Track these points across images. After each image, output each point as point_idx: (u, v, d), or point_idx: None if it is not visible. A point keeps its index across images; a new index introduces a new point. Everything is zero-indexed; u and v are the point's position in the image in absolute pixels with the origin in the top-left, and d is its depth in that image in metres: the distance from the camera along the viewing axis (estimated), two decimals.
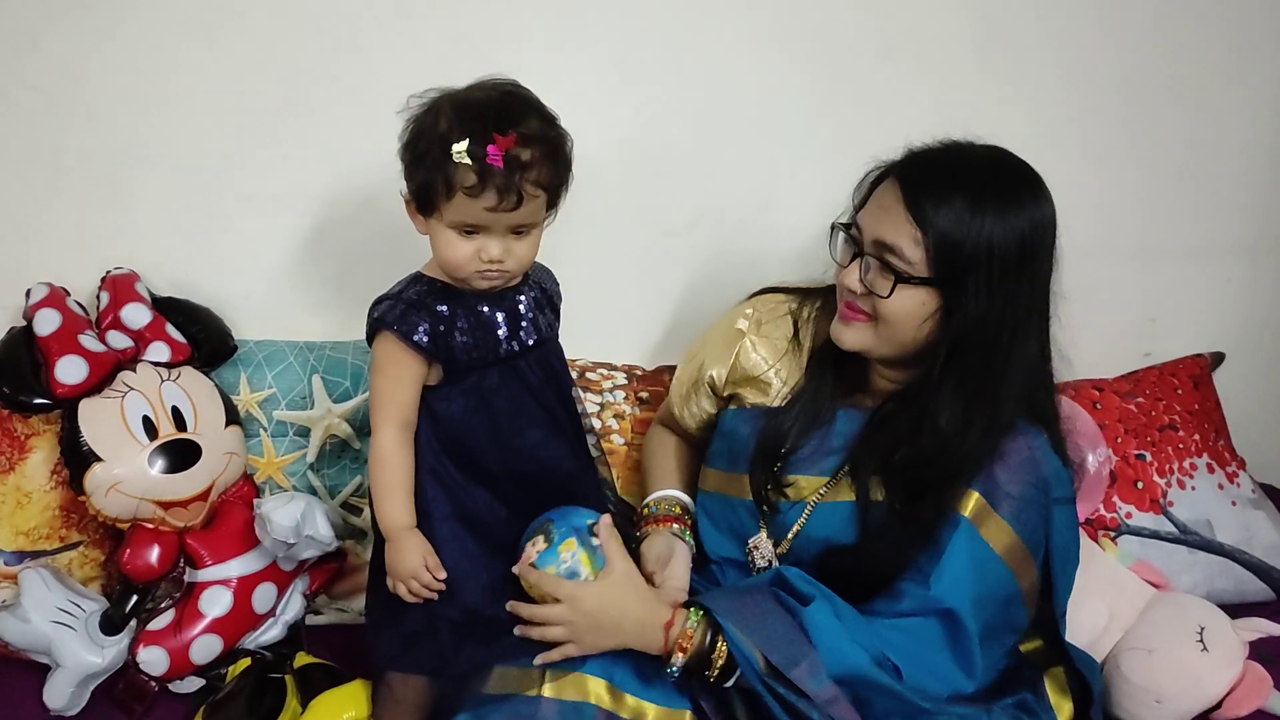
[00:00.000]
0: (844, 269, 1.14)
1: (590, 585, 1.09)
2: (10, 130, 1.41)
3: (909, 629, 1.09)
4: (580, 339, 1.46)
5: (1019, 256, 1.06)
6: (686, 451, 1.36)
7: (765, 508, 1.22)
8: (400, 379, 1.10)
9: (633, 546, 1.25)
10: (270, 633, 1.33)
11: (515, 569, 1.11)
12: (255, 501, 1.30)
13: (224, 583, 1.28)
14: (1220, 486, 1.59)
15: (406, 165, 1.06)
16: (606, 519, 1.13)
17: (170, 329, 1.39)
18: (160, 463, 1.28)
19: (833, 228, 1.16)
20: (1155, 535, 1.54)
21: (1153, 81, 1.65)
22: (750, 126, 1.57)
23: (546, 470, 1.17)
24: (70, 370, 1.28)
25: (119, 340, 1.35)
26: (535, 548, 1.10)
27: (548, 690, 1.05)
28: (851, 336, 1.14)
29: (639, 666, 1.09)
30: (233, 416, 1.38)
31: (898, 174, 1.11)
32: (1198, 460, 1.60)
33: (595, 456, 1.28)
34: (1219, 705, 1.29)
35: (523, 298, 1.14)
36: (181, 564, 1.31)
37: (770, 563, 1.22)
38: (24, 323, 1.35)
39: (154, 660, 1.24)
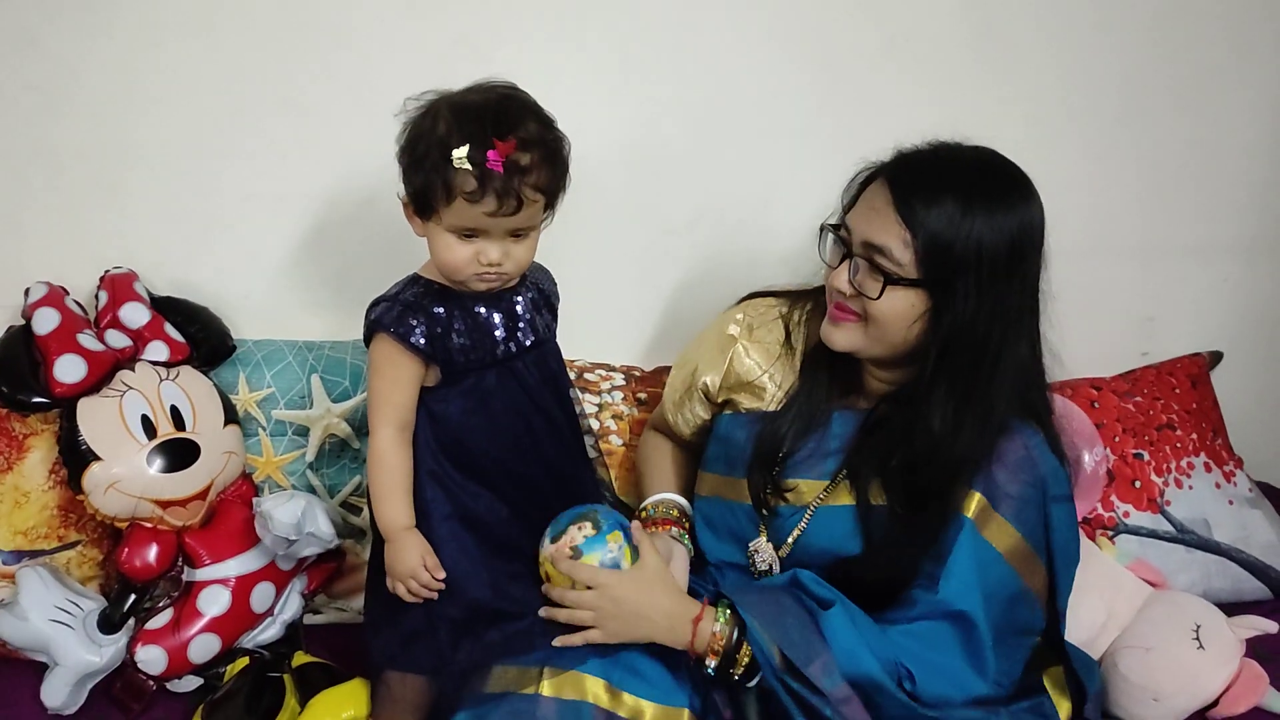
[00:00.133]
0: (833, 270, 1.14)
1: (623, 574, 1.10)
2: (9, 130, 1.41)
3: (921, 634, 1.10)
4: (579, 339, 1.46)
5: (1008, 258, 1.07)
6: (682, 456, 1.37)
7: (765, 512, 1.22)
8: (397, 380, 1.10)
9: None
10: (268, 632, 1.33)
11: (549, 551, 1.11)
12: (255, 500, 1.30)
13: (222, 582, 1.28)
14: (1217, 485, 1.60)
15: (405, 169, 1.06)
16: (637, 523, 1.15)
17: (169, 328, 1.39)
18: (159, 462, 1.28)
19: (822, 229, 1.16)
20: (1153, 534, 1.54)
21: (1151, 81, 1.66)
22: (750, 126, 1.57)
23: (544, 471, 1.17)
24: (69, 369, 1.28)
25: (117, 339, 1.35)
26: (581, 531, 1.10)
27: (546, 689, 1.05)
28: (841, 337, 1.15)
29: (637, 665, 1.09)
30: (231, 416, 1.38)
31: (887, 175, 1.11)
32: (1195, 459, 1.61)
33: (593, 457, 1.29)
34: (1216, 703, 1.29)
35: (520, 299, 1.14)
36: (180, 563, 1.31)
37: (771, 566, 1.22)
38: (22, 322, 1.35)
39: (152, 659, 1.24)
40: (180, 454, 1.30)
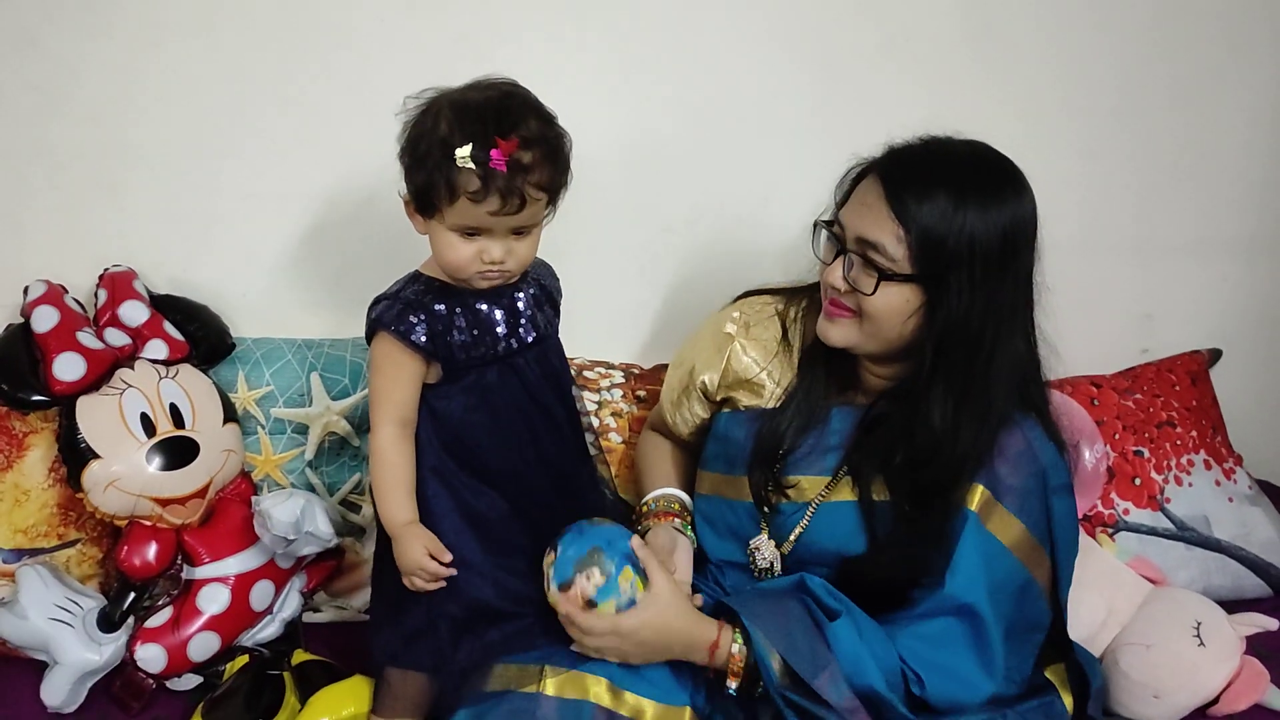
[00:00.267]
0: (828, 266, 1.14)
1: (640, 612, 1.07)
2: (9, 129, 1.41)
3: (930, 637, 1.10)
4: (578, 337, 1.46)
5: (1001, 251, 1.06)
6: (681, 454, 1.36)
7: (766, 509, 1.22)
8: (398, 378, 1.10)
9: None
10: (268, 630, 1.33)
11: (563, 609, 1.07)
12: (254, 498, 1.30)
13: (222, 580, 1.28)
14: (1217, 483, 1.60)
15: (406, 168, 1.05)
16: (638, 539, 1.12)
17: (168, 327, 1.39)
18: (158, 460, 1.28)
19: (816, 225, 1.16)
20: (1153, 531, 1.54)
21: (1149, 79, 1.66)
22: (748, 124, 1.57)
23: (545, 468, 1.17)
24: (68, 367, 1.28)
25: (117, 338, 1.35)
26: (591, 581, 1.05)
27: (547, 688, 1.05)
28: (837, 333, 1.15)
29: (639, 664, 1.09)
30: (230, 414, 1.38)
31: (879, 171, 1.11)
32: (1195, 456, 1.61)
33: (594, 455, 1.28)
34: (1216, 700, 1.29)
35: (521, 295, 1.14)
36: (179, 561, 1.31)
37: (772, 564, 1.22)
38: (22, 320, 1.35)
39: (151, 657, 1.24)
40: (179, 452, 1.30)
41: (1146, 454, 1.58)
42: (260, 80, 1.43)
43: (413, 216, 1.08)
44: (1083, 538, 1.29)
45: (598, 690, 1.06)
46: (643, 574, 1.09)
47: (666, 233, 1.61)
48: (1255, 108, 1.71)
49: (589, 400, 1.52)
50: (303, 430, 1.44)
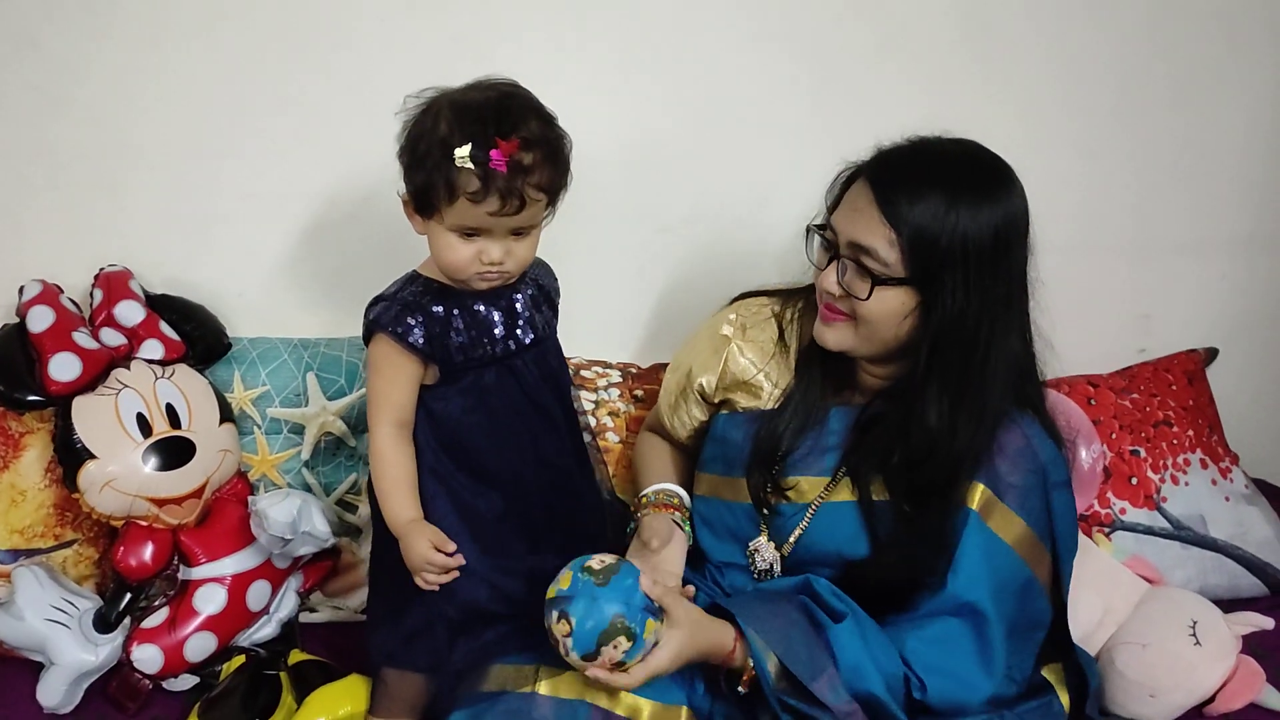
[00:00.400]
0: (821, 271, 1.14)
1: (669, 650, 1.03)
2: (7, 128, 1.41)
3: (934, 638, 1.10)
4: (575, 337, 1.46)
5: (994, 249, 1.06)
6: (679, 454, 1.36)
7: (765, 511, 1.22)
8: (396, 380, 1.10)
9: (629, 529, 1.25)
10: (264, 630, 1.33)
11: (591, 674, 1.01)
12: (250, 498, 1.30)
13: (218, 580, 1.28)
14: (1214, 482, 1.60)
15: (405, 167, 1.05)
16: (645, 579, 1.04)
17: (164, 326, 1.39)
18: (154, 460, 1.28)
19: (808, 230, 1.16)
20: (1149, 531, 1.54)
21: (1146, 78, 1.66)
22: (746, 124, 1.57)
23: (543, 468, 1.16)
24: (64, 367, 1.28)
25: (112, 338, 1.35)
26: (619, 649, 1.00)
27: (543, 688, 1.05)
28: (833, 337, 1.15)
29: None
30: (227, 414, 1.38)
31: (868, 175, 1.10)
32: (1191, 456, 1.61)
33: (592, 455, 1.28)
34: (1212, 699, 1.30)
35: (520, 296, 1.14)
36: (175, 561, 1.30)
37: (772, 565, 1.22)
38: (17, 320, 1.35)
39: (148, 658, 1.24)
40: (176, 452, 1.29)
41: (1143, 453, 1.58)
42: (259, 80, 1.43)
43: (412, 217, 1.08)
44: (1080, 537, 1.29)
45: (593, 690, 1.05)
46: (659, 613, 1.05)
47: (664, 233, 1.60)
48: (1253, 106, 1.71)
49: (586, 400, 1.52)
50: (299, 430, 1.44)
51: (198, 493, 1.31)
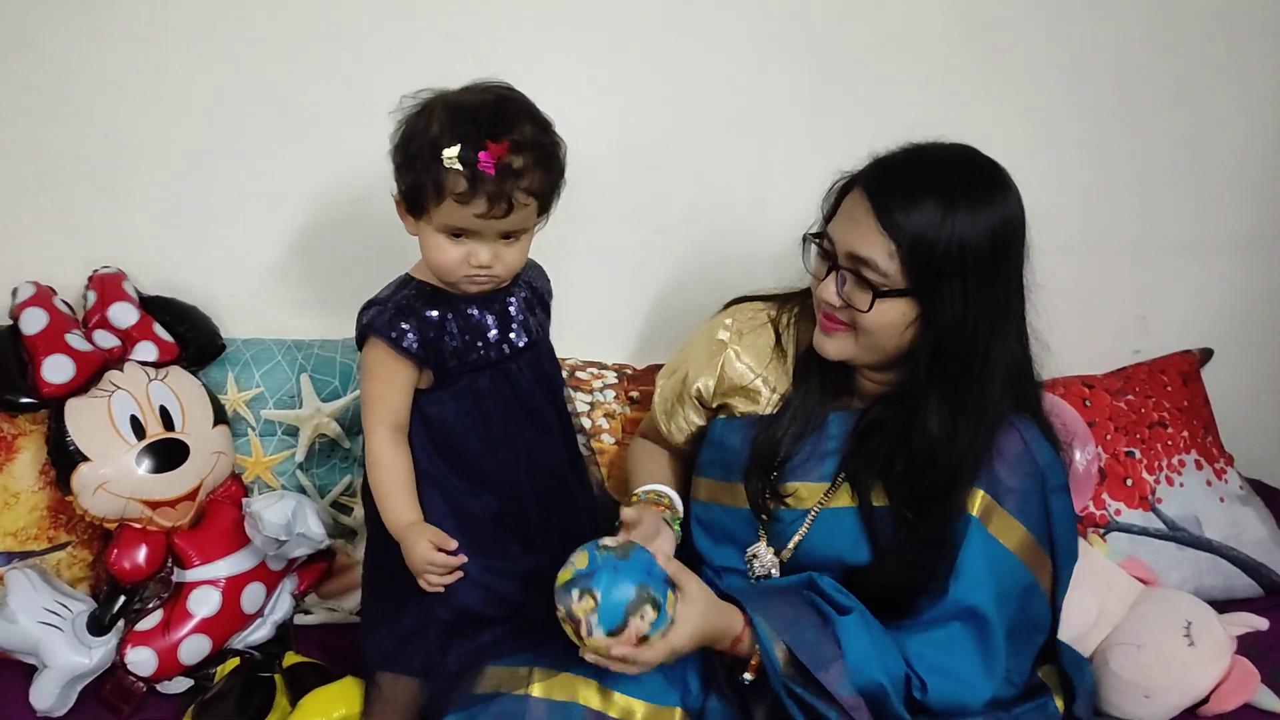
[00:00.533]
0: (820, 281, 1.13)
1: (686, 627, 1.04)
2: (3, 129, 1.40)
3: (936, 642, 1.10)
4: (571, 338, 1.46)
5: (992, 253, 1.06)
6: (673, 460, 1.35)
7: (764, 517, 1.21)
8: (391, 384, 1.09)
9: (615, 524, 1.25)
10: (259, 632, 1.33)
11: (616, 653, 1.00)
12: (245, 500, 1.30)
13: (212, 583, 1.28)
14: (1208, 483, 1.60)
15: (397, 166, 1.05)
16: (659, 554, 1.06)
17: (158, 328, 1.39)
18: (148, 462, 1.28)
19: (805, 239, 1.15)
20: (1144, 532, 1.54)
21: (1144, 78, 1.66)
22: (744, 124, 1.57)
23: (538, 471, 1.16)
24: (57, 369, 1.27)
25: (106, 339, 1.34)
26: (645, 620, 1.00)
27: (536, 690, 1.05)
28: (834, 347, 1.14)
29: None
30: (220, 416, 1.38)
31: (865, 185, 1.10)
32: (1186, 457, 1.61)
33: (585, 456, 1.28)
34: (1206, 700, 1.30)
35: (513, 300, 1.13)
36: (169, 564, 1.30)
37: (770, 571, 1.22)
38: (10, 322, 1.34)
39: (142, 661, 1.24)
40: (169, 454, 1.29)
41: (1138, 454, 1.59)
42: (255, 80, 1.43)
43: (404, 217, 1.08)
44: None
45: (587, 692, 1.05)
46: (675, 588, 1.05)
47: (661, 233, 1.60)
48: (1252, 108, 1.71)
49: (582, 401, 1.52)
50: (293, 432, 1.44)
51: (191, 495, 1.31)
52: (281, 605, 1.35)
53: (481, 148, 0.98)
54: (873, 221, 1.06)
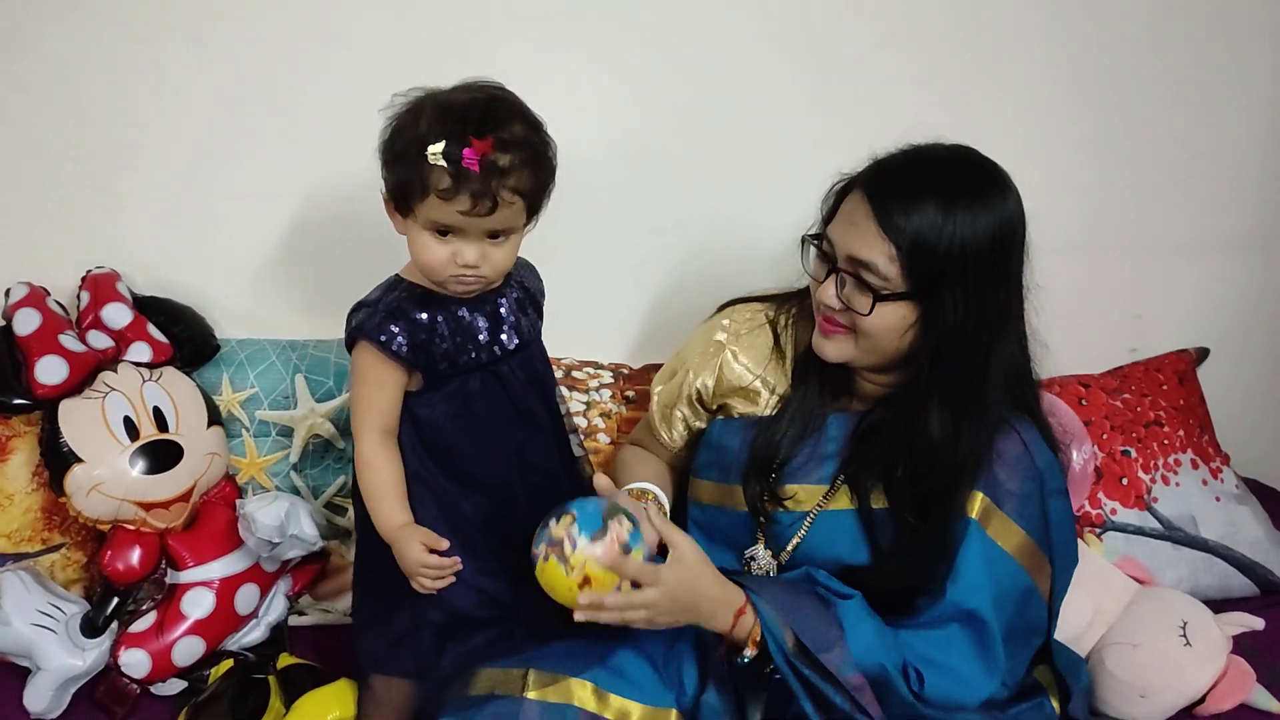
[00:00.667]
0: (819, 283, 1.13)
1: (675, 569, 1.04)
2: None
3: (934, 640, 1.10)
4: (567, 337, 1.46)
5: (992, 255, 1.06)
6: (661, 466, 1.33)
7: (762, 519, 1.21)
8: (381, 386, 1.09)
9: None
10: (253, 634, 1.33)
11: (596, 554, 1.00)
12: (238, 502, 1.29)
13: (206, 584, 1.28)
14: (1204, 482, 1.60)
15: (385, 163, 1.05)
16: (653, 507, 1.10)
17: (152, 329, 1.38)
18: (141, 464, 1.27)
19: (804, 241, 1.15)
20: (1140, 531, 1.54)
21: (1143, 78, 1.66)
22: (740, 125, 1.56)
23: (530, 473, 1.16)
24: (50, 370, 1.27)
25: (100, 340, 1.34)
26: (623, 527, 1.02)
27: (531, 693, 1.04)
28: (834, 349, 1.14)
29: (624, 667, 1.08)
30: (215, 417, 1.38)
31: (864, 187, 1.09)
32: (1182, 456, 1.61)
33: (579, 456, 1.27)
34: (1202, 699, 1.30)
35: (504, 301, 1.13)
36: (163, 565, 1.30)
37: (768, 573, 1.21)
38: (3, 323, 1.34)
39: (135, 663, 1.24)
40: (163, 456, 1.29)
41: (1134, 454, 1.58)
42: (249, 80, 1.43)
43: (392, 215, 1.08)
44: None
45: (582, 695, 1.05)
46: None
47: (656, 234, 1.60)
48: (1250, 108, 1.71)
49: (578, 401, 1.52)
50: (287, 433, 1.44)
51: (185, 496, 1.30)
52: (276, 607, 1.34)
53: (466, 144, 0.98)
54: (873, 224, 1.06)
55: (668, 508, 1.26)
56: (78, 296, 1.41)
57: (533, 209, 1.06)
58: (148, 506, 1.28)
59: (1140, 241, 1.75)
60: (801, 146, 1.55)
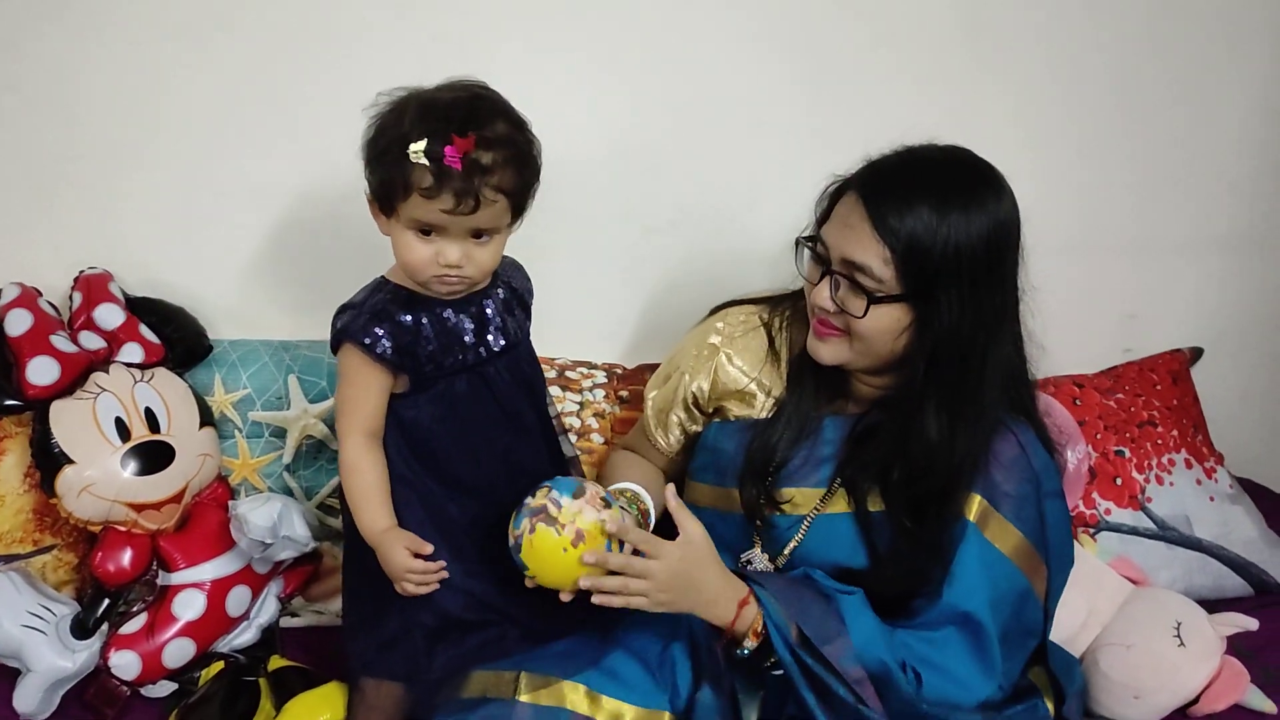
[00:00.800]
0: (814, 286, 1.12)
1: (682, 548, 1.04)
2: None
3: (932, 641, 1.09)
4: (560, 337, 1.46)
5: (987, 257, 1.06)
6: (651, 470, 1.32)
7: (759, 523, 1.21)
8: (367, 389, 1.08)
9: None
10: (244, 636, 1.32)
11: (613, 528, 1.02)
12: (230, 503, 1.29)
13: (197, 586, 1.27)
14: (1198, 482, 1.60)
15: (367, 162, 1.04)
16: (671, 488, 1.11)
17: (144, 329, 1.38)
18: (133, 465, 1.27)
19: (798, 243, 1.14)
20: (1134, 531, 1.54)
21: (1142, 79, 1.66)
22: (736, 124, 1.56)
23: (517, 475, 1.15)
24: (42, 371, 1.27)
25: (91, 341, 1.34)
26: (597, 489, 1.04)
27: (523, 695, 1.04)
28: (828, 352, 1.14)
29: (617, 668, 1.08)
30: (207, 417, 1.37)
31: (858, 189, 1.09)
32: (1176, 456, 1.61)
33: (570, 456, 1.27)
34: (1196, 700, 1.30)
35: (490, 301, 1.12)
36: (154, 567, 1.29)
37: None
38: None
39: (126, 664, 1.23)
40: (155, 457, 1.28)
41: (1128, 453, 1.58)
42: (243, 81, 1.42)
43: (376, 216, 1.07)
44: None
45: (574, 697, 1.05)
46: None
47: (651, 233, 1.60)
48: (1247, 108, 1.71)
49: (571, 401, 1.52)
50: (280, 434, 1.43)
51: (177, 497, 1.30)
52: (267, 608, 1.34)
53: (448, 142, 0.97)
54: (867, 227, 1.06)
55: (652, 510, 1.24)
56: (70, 297, 1.41)
57: (517, 208, 1.05)
58: (139, 508, 1.27)
59: (1137, 241, 1.75)
60: (800, 147, 1.55)
